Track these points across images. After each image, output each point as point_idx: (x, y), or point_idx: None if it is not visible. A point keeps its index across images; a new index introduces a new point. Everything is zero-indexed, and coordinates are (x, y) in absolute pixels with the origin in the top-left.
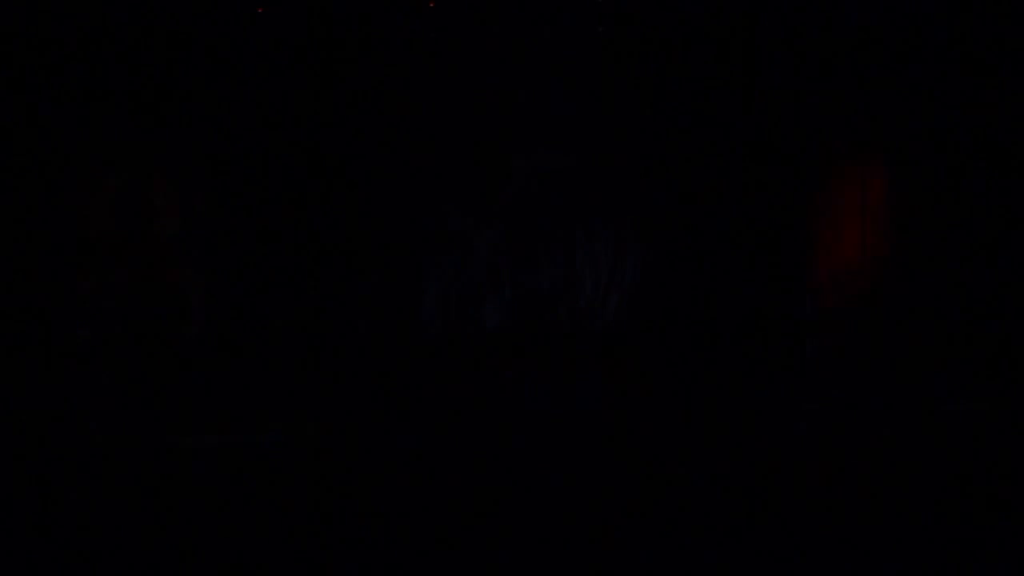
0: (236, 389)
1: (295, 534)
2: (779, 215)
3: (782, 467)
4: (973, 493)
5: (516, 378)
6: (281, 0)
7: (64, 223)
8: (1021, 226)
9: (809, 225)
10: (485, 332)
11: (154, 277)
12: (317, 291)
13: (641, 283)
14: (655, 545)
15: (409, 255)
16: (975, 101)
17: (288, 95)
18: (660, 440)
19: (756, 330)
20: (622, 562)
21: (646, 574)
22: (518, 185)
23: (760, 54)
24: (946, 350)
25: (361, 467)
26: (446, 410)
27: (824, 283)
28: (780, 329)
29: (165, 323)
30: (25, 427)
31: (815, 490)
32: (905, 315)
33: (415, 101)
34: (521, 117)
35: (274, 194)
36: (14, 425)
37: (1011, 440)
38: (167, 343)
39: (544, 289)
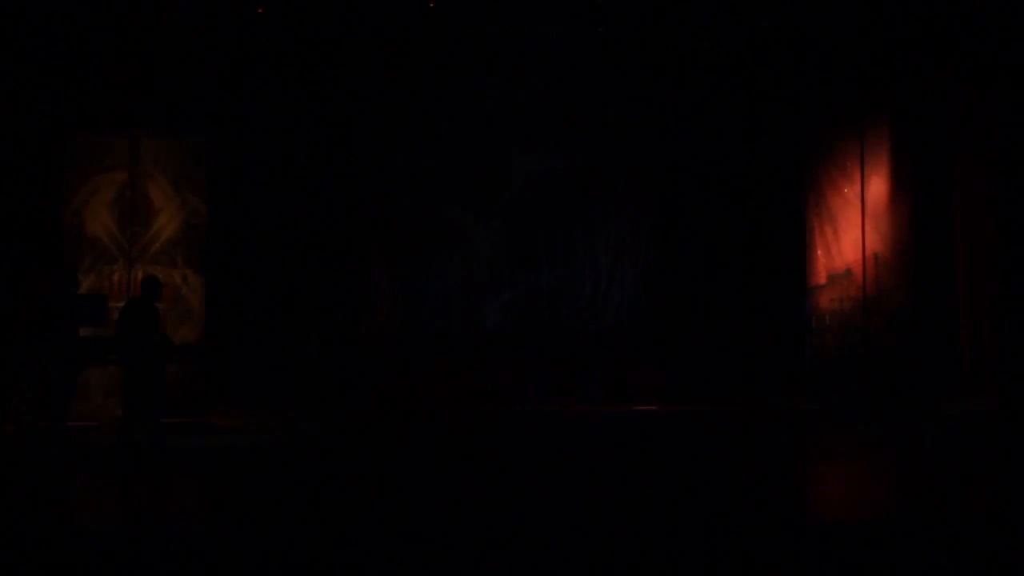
0: (237, 389)
1: (294, 531)
2: (778, 215)
3: (782, 468)
4: (974, 491)
5: (516, 376)
6: (282, 2)
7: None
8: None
9: (809, 225)
10: (485, 332)
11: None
12: (318, 291)
13: (641, 283)
14: (652, 545)
15: (410, 254)
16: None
17: (289, 95)
18: (659, 439)
19: (756, 330)
20: (619, 560)
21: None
22: (518, 184)
23: (760, 54)
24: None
25: (362, 463)
26: (446, 408)
27: (824, 283)
28: (779, 329)
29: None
30: None
31: (814, 490)
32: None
33: (415, 100)
34: (521, 117)
35: (274, 195)
36: None
37: (1012, 440)
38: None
39: (544, 289)
